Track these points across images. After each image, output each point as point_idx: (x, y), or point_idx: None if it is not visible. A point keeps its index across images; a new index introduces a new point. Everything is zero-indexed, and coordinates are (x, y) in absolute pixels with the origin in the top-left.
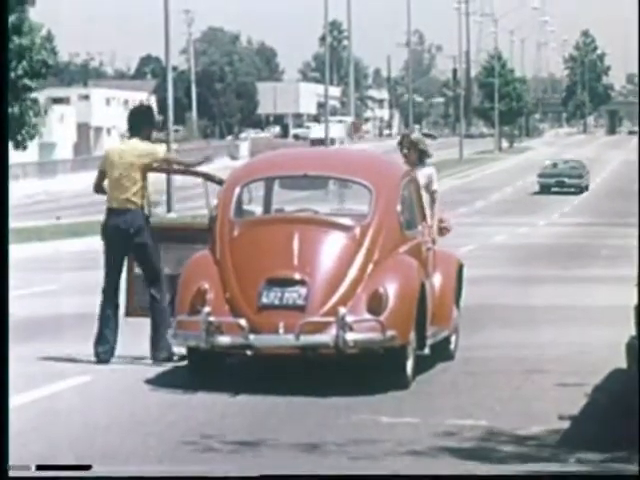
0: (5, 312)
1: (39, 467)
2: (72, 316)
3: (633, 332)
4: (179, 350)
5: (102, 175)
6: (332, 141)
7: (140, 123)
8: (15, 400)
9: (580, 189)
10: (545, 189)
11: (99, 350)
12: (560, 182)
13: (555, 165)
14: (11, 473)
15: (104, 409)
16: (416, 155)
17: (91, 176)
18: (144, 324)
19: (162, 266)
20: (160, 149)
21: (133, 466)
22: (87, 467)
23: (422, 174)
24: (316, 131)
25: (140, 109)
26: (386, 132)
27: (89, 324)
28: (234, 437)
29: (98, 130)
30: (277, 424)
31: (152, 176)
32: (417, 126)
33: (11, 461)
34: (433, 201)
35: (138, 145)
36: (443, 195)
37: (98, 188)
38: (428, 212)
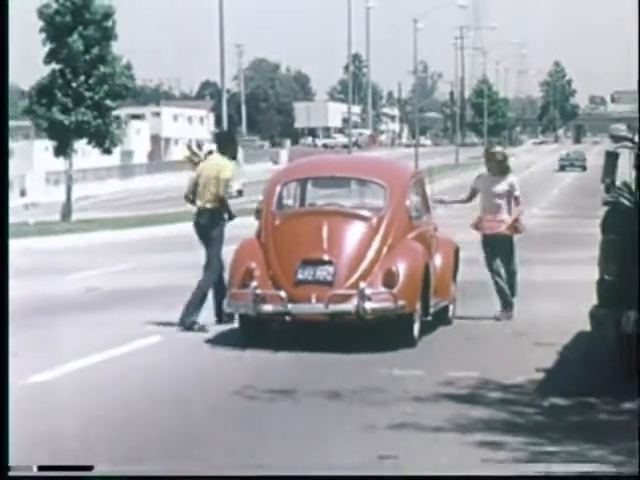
0: (5, 312)
1: (40, 467)
2: (146, 289)
3: (595, 302)
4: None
5: (194, 187)
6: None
7: (224, 144)
8: (95, 357)
9: (583, 168)
10: (563, 168)
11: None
12: (571, 163)
13: (568, 154)
14: (12, 473)
15: (171, 363)
16: (495, 166)
17: (162, 177)
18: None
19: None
20: (229, 172)
21: (134, 466)
22: (89, 467)
23: (505, 182)
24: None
25: (225, 133)
26: (397, 142)
27: (160, 295)
28: (276, 386)
29: (167, 141)
30: (309, 376)
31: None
32: (493, 139)
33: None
34: (517, 204)
35: (220, 162)
36: (444, 192)
37: (188, 197)
38: (505, 215)
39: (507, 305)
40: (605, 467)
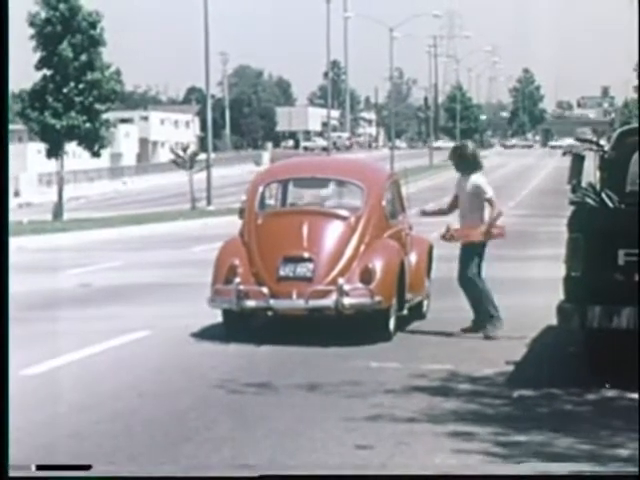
0: (5, 312)
1: (39, 467)
2: (137, 285)
3: (562, 297)
4: None
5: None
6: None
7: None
8: (88, 350)
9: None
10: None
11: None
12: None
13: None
14: (11, 473)
15: (158, 357)
16: (461, 164)
17: (151, 179)
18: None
19: None
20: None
21: (133, 466)
22: (87, 467)
23: (472, 182)
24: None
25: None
26: (374, 145)
27: (151, 291)
28: (259, 379)
29: (155, 143)
30: (290, 369)
31: (195, 177)
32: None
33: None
34: (490, 206)
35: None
36: (417, 194)
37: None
38: (477, 220)
39: (485, 319)
40: (605, 467)
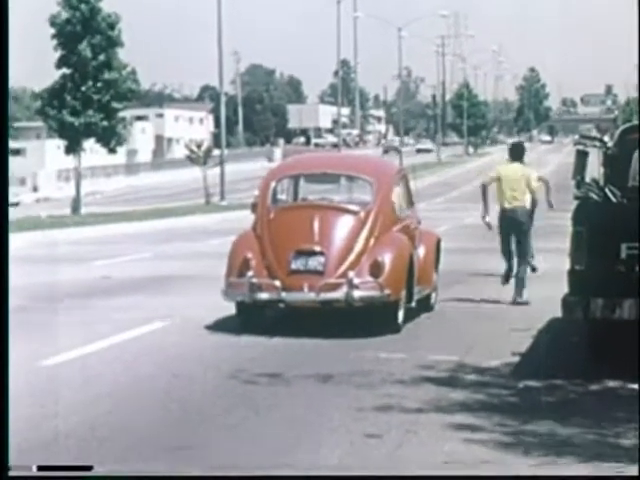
0: (5, 312)
1: (40, 467)
2: (157, 277)
3: (566, 290)
4: None
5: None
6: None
7: (521, 153)
8: (105, 342)
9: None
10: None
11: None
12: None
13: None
14: (11, 473)
15: (174, 348)
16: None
17: (165, 174)
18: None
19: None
20: (532, 174)
21: (132, 466)
22: (88, 467)
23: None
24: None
25: (519, 144)
26: (383, 141)
27: (166, 283)
28: (271, 370)
29: (170, 140)
30: (301, 360)
31: (209, 172)
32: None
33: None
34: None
35: (521, 168)
36: (426, 189)
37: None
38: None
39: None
40: (605, 467)
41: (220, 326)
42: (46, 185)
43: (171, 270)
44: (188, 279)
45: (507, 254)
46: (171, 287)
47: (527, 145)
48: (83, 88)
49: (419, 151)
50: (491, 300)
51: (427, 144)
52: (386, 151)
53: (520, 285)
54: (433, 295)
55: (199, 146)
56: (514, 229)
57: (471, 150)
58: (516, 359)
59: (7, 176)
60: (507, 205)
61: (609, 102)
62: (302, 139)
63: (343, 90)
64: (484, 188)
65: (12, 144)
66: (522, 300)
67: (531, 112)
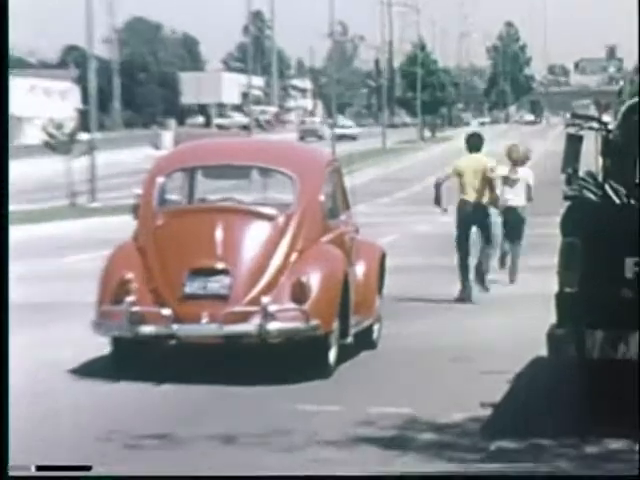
0: (5, 312)
1: (39, 467)
2: None
3: (553, 320)
4: None
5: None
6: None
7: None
8: None
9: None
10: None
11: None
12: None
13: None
14: (11, 473)
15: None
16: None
17: (14, 166)
18: None
19: None
20: (488, 164)
21: (132, 467)
22: (87, 467)
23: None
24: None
25: (476, 134)
26: (308, 122)
27: (20, 313)
28: (157, 428)
29: (19, 120)
30: (198, 415)
31: (75, 164)
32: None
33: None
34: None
35: (480, 159)
36: (367, 186)
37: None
38: None
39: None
40: (605, 467)
41: (88, 370)
42: None
43: (24, 297)
44: (47, 308)
45: (463, 253)
46: (24, 319)
47: (504, 127)
48: None
49: (340, 138)
50: (453, 333)
51: (350, 127)
52: (302, 137)
53: (480, 275)
54: (375, 327)
55: (60, 128)
56: (475, 223)
57: (427, 134)
58: (487, 412)
59: (7, 176)
60: (468, 198)
61: (612, 69)
62: (200, 119)
63: (256, 53)
64: (438, 187)
65: None
66: (481, 290)
67: (507, 82)
